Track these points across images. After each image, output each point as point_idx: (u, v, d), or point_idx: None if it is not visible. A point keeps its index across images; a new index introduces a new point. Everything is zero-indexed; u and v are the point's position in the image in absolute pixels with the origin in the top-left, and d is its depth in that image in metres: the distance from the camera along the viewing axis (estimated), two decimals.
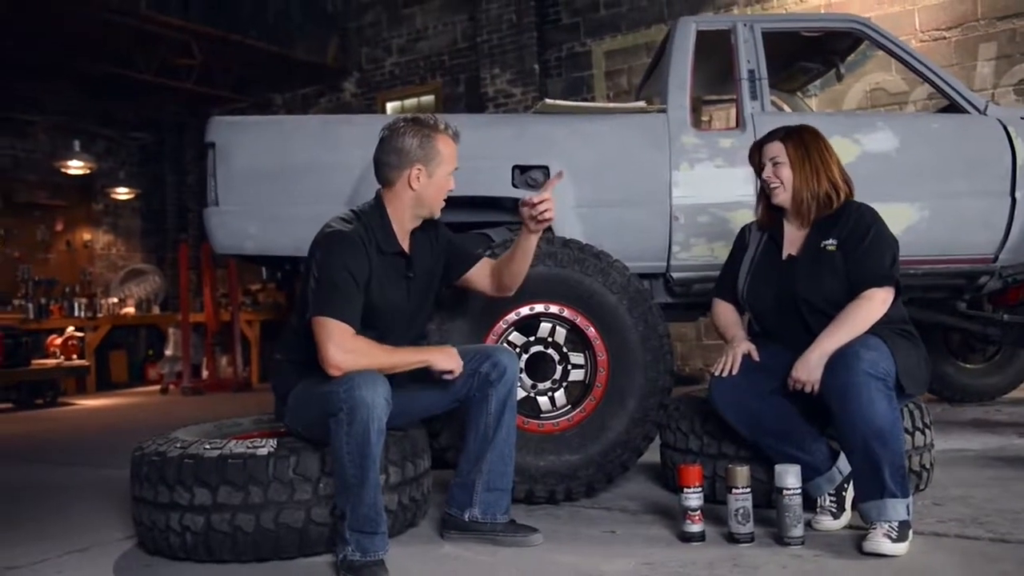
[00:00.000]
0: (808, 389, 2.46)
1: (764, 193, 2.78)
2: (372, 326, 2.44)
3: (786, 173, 2.68)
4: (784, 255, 2.74)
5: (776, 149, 2.70)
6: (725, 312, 2.90)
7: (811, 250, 2.66)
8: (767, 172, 2.71)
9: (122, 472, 2.78)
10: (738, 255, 2.90)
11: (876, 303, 2.49)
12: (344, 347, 2.29)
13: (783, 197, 2.70)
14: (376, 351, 2.36)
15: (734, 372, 2.62)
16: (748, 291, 2.79)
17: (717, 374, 2.65)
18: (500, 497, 2.59)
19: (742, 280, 2.82)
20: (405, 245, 2.58)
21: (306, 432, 2.49)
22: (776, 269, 2.73)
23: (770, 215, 2.80)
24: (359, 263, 2.40)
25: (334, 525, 2.39)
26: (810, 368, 2.45)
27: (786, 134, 2.72)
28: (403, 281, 2.57)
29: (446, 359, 2.47)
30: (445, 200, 2.60)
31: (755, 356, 2.65)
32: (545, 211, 2.45)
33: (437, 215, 2.61)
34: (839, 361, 2.37)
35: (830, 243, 2.60)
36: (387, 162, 2.52)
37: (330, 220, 2.50)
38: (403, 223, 2.56)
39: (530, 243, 2.58)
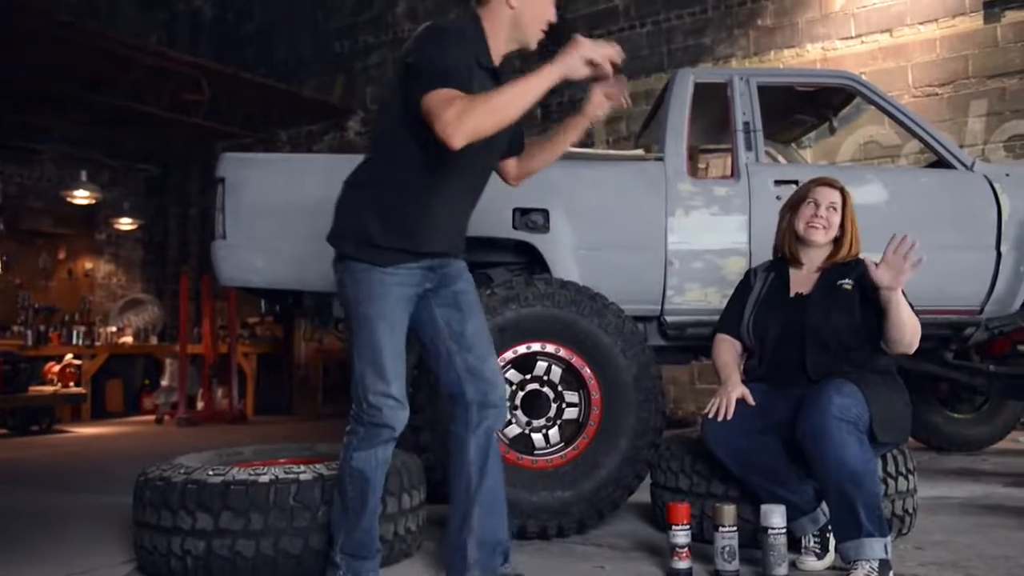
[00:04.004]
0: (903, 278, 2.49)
1: (793, 226, 2.88)
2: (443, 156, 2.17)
3: (836, 220, 2.81)
4: (792, 293, 2.85)
5: (837, 197, 2.83)
6: (726, 349, 2.96)
7: (825, 287, 2.77)
8: (821, 211, 2.81)
9: (121, 499, 2.84)
10: (743, 293, 2.99)
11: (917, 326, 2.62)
12: (453, 113, 2.02)
13: (820, 237, 2.81)
14: (494, 97, 2.08)
15: (728, 417, 2.69)
16: (753, 323, 2.88)
17: (710, 417, 2.73)
18: (493, 551, 2.36)
19: (747, 314, 2.91)
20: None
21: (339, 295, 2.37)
22: (783, 305, 2.83)
23: (796, 248, 2.90)
24: (462, 53, 2.17)
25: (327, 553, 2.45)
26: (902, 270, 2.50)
27: (843, 188, 2.87)
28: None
29: (580, 52, 2.14)
30: (544, 33, 2.40)
31: (749, 400, 2.72)
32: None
33: (532, 46, 2.38)
34: (812, 406, 2.47)
35: (847, 283, 2.73)
36: None
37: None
38: (497, 45, 2.33)
39: (569, 137, 2.54)
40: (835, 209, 2.82)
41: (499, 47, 2.33)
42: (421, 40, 2.18)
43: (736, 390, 2.74)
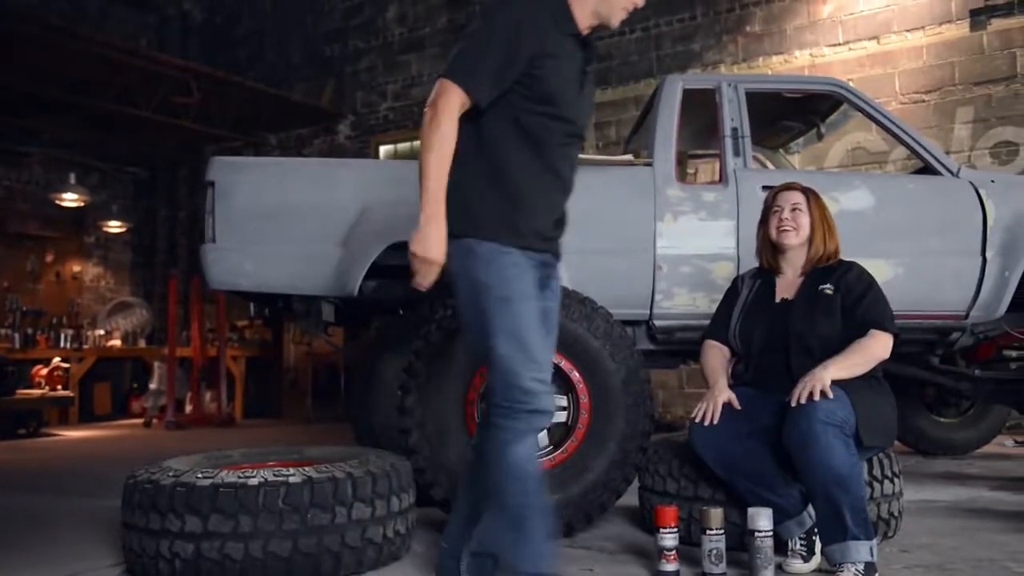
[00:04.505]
0: (818, 390, 2.48)
1: (767, 236, 2.92)
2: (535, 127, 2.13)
3: (804, 221, 2.85)
4: (778, 299, 2.88)
5: (798, 198, 2.88)
6: (714, 355, 2.98)
7: (807, 292, 2.81)
8: (785, 214, 2.85)
9: (109, 501, 2.84)
10: (731, 299, 3.02)
11: (883, 342, 2.65)
12: (446, 117, 2.04)
13: (793, 240, 2.84)
14: (444, 151, 2.07)
15: (714, 422, 2.71)
16: (740, 329, 2.90)
17: (697, 420, 2.75)
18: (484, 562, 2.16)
19: (734, 320, 2.94)
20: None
21: (463, 312, 2.18)
22: (769, 311, 2.86)
23: (774, 257, 2.93)
24: (534, 20, 2.10)
25: (320, 554, 2.46)
26: (815, 375, 2.53)
27: (805, 188, 2.92)
28: (579, 74, 2.25)
29: (421, 242, 2.05)
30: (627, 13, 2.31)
31: (736, 405, 2.75)
32: None
33: (614, 24, 2.30)
34: (798, 410, 2.49)
35: (828, 287, 2.76)
36: None
37: None
38: (583, 14, 2.23)
39: None
40: (800, 210, 2.85)
41: (584, 17, 2.23)
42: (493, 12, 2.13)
43: (723, 394, 2.76)
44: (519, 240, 2.14)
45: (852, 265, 2.82)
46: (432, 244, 2.04)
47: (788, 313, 2.80)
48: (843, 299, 2.73)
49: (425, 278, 2.08)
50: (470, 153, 2.15)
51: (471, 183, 2.15)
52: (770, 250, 2.93)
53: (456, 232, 2.12)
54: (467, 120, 2.13)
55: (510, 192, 2.15)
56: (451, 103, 2.06)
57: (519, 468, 2.08)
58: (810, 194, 2.90)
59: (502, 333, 2.07)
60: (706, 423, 2.72)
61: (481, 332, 2.11)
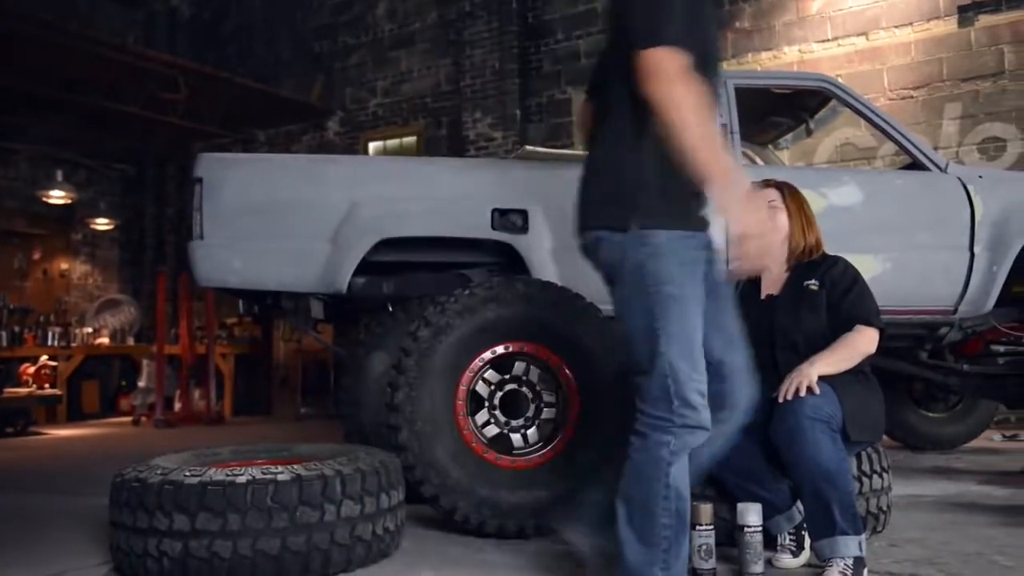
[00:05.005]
0: (804, 386, 2.49)
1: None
2: None
3: (782, 217, 2.83)
4: (763, 295, 2.88)
5: (773, 194, 2.87)
6: None
7: (792, 288, 2.81)
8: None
9: (97, 500, 2.82)
10: None
11: (868, 337, 2.64)
12: (682, 82, 1.84)
13: (773, 237, 2.83)
14: (704, 117, 1.87)
15: None
16: None
17: None
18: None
19: None
20: None
21: (628, 320, 2.03)
22: (755, 307, 2.86)
23: None
24: None
25: (309, 552, 2.45)
26: (801, 371, 2.53)
27: (779, 184, 2.91)
28: (715, 29, 2.12)
29: (746, 221, 1.89)
30: None
31: None
32: None
33: None
34: (785, 406, 2.49)
35: (812, 283, 2.76)
36: None
37: None
38: None
39: None
40: (776, 206, 2.84)
41: None
42: None
43: None
44: (697, 224, 2.01)
45: (837, 260, 2.82)
46: (754, 219, 1.89)
47: (773, 309, 2.80)
48: (828, 294, 2.73)
49: (755, 257, 1.93)
50: (637, 133, 2.00)
51: (641, 166, 1.99)
52: None
53: (626, 222, 1.98)
54: (627, 96, 1.98)
55: (686, 175, 1.95)
56: (678, 68, 1.86)
57: (675, 491, 1.96)
58: (785, 188, 2.89)
59: (671, 337, 1.92)
60: None
61: (647, 334, 1.95)
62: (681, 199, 1.99)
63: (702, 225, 2.05)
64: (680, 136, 1.85)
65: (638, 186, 1.98)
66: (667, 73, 1.85)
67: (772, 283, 2.89)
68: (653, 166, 1.98)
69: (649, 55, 1.87)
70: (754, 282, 2.92)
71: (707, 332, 2.04)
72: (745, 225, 1.89)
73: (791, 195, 2.88)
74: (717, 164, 1.87)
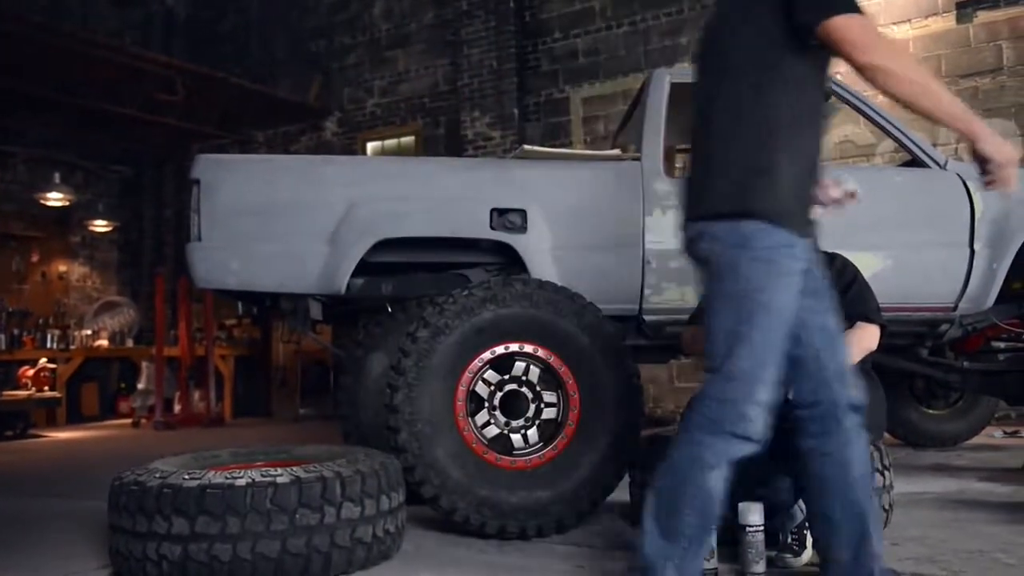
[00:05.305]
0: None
1: None
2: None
3: None
4: None
5: None
6: (702, 333, 2.96)
7: None
8: None
9: (96, 503, 2.81)
10: None
11: (870, 334, 2.64)
12: (889, 48, 1.81)
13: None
14: (922, 69, 1.85)
15: None
16: None
17: None
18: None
19: None
20: None
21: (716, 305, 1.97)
22: None
23: None
24: None
25: (309, 555, 2.43)
26: None
27: None
28: None
29: (997, 147, 1.85)
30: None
31: None
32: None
33: None
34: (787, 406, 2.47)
35: None
36: None
37: None
38: None
39: None
40: None
41: None
42: None
43: None
44: (804, 228, 1.94)
45: (835, 257, 2.80)
46: (1003, 145, 1.84)
47: None
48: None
49: (1015, 181, 1.88)
50: (755, 123, 1.93)
51: (758, 154, 1.91)
52: None
53: (732, 211, 1.90)
54: (748, 83, 1.93)
55: (799, 167, 1.92)
56: (875, 29, 1.83)
57: (707, 493, 1.92)
58: None
59: (752, 345, 1.89)
60: None
61: (729, 334, 1.91)
62: (796, 197, 1.94)
63: (808, 231, 1.98)
64: (918, 95, 1.83)
65: (752, 173, 1.91)
66: (880, 38, 1.82)
67: None
68: (769, 157, 1.92)
69: (852, 24, 1.82)
70: None
71: (809, 332, 2.00)
72: (1007, 155, 1.86)
73: None
74: (962, 109, 1.85)
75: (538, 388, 3.18)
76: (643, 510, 2.00)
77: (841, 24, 1.81)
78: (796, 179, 1.93)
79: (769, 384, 1.91)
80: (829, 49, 1.85)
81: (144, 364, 9.32)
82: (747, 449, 1.93)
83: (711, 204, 1.95)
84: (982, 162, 1.88)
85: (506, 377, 3.18)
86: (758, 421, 1.90)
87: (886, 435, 3.45)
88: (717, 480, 1.92)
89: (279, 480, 2.50)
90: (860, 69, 1.81)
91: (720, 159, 1.94)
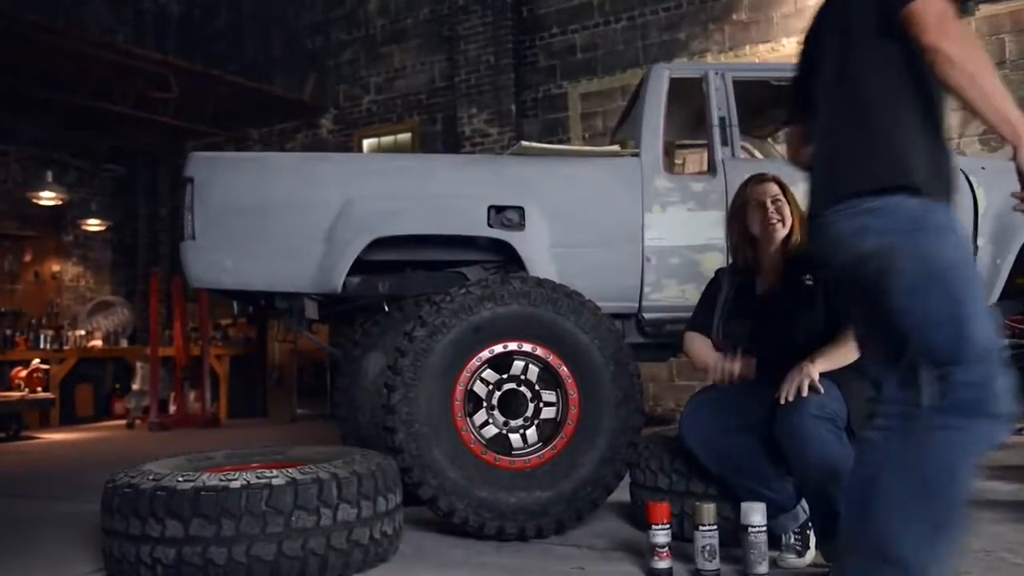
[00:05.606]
0: (806, 385, 2.44)
1: (746, 232, 2.85)
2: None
3: (787, 211, 2.78)
4: (759, 292, 2.84)
5: (775, 189, 2.81)
6: (701, 342, 2.94)
7: (788, 285, 2.76)
8: (770, 208, 2.78)
9: (90, 506, 2.77)
10: (714, 292, 2.97)
11: None
12: (959, 35, 1.73)
13: (782, 233, 2.78)
14: (988, 62, 1.76)
15: (735, 378, 2.73)
16: (724, 326, 2.86)
17: (716, 381, 2.76)
18: None
19: (717, 317, 2.89)
20: None
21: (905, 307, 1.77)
22: (752, 305, 2.81)
23: (754, 253, 2.87)
24: None
25: (305, 558, 2.40)
26: (802, 368, 2.48)
27: (776, 178, 2.85)
28: None
29: None
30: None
31: (749, 372, 2.73)
32: None
33: None
34: (788, 405, 2.44)
35: (808, 278, 2.72)
36: None
37: None
38: None
39: None
40: (781, 201, 2.80)
41: None
42: None
43: (737, 362, 2.74)
44: (951, 197, 1.84)
45: None
46: None
47: (770, 307, 2.75)
48: (824, 288, 2.68)
49: None
50: (894, 97, 1.86)
51: (909, 131, 1.83)
52: (749, 247, 2.86)
53: (881, 186, 1.79)
54: (885, 42, 1.86)
55: (939, 138, 1.85)
56: (955, 16, 1.76)
57: (962, 483, 1.72)
58: (778, 181, 2.84)
59: (980, 318, 1.73)
60: (727, 382, 2.73)
61: (950, 320, 1.72)
62: (946, 169, 1.85)
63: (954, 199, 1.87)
64: (966, 86, 1.73)
65: (910, 149, 1.82)
66: (954, 25, 1.75)
67: (766, 281, 2.84)
68: (913, 123, 1.84)
69: (929, 6, 1.76)
70: (747, 282, 2.87)
71: None
72: None
73: (788, 190, 2.82)
74: (1014, 112, 1.74)
75: (537, 387, 3.14)
76: (876, 515, 1.74)
77: (919, 7, 1.76)
78: (946, 151, 1.88)
79: (1002, 353, 1.74)
80: (906, 32, 1.78)
81: (139, 364, 9.26)
82: (1005, 432, 1.73)
83: (870, 176, 1.82)
84: (1020, 175, 1.76)
85: (504, 376, 3.14)
86: (1008, 396, 1.71)
87: None
88: (970, 471, 1.73)
89: (275, 482, 2.46)
90: (923, 51, 1.76)
91: (885, 132, 1.83)
